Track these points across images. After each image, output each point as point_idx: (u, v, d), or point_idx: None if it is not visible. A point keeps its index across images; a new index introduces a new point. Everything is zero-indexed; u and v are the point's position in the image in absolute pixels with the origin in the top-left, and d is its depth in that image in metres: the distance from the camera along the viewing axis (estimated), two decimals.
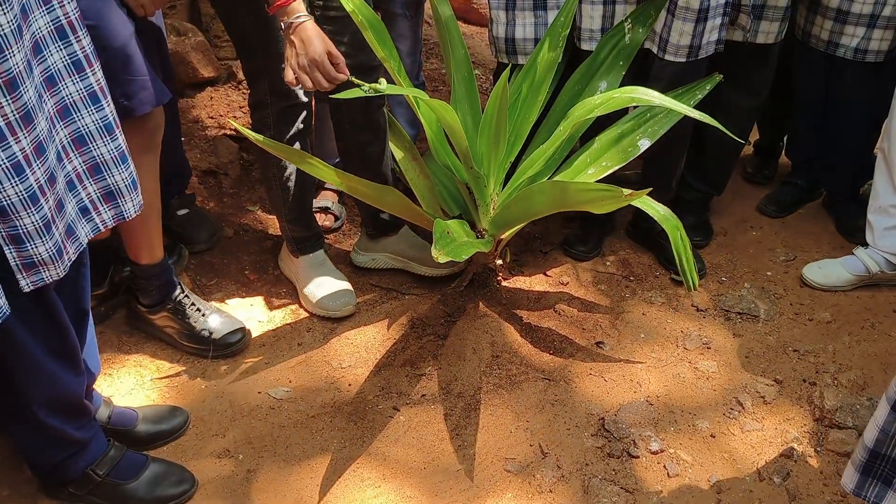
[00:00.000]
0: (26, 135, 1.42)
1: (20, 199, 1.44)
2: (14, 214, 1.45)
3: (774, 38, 2.56)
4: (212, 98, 3.24)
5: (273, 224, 2.90)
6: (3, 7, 1.33)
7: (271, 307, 2.58)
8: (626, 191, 1.89)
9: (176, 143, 2.64)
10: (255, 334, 2.47)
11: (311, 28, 1.91)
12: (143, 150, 2.10)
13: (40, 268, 1.53)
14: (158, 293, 2.35)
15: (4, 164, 1.40)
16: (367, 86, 1.96)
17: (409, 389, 2.29)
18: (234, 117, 3.17)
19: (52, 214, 1.51)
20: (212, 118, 3.18)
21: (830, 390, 2.26)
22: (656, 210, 2.23)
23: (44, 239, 1.50)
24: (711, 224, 2.99)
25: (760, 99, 2.73)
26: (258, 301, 2.60)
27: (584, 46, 2.55)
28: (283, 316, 2.55)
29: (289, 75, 1.94)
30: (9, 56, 1.36)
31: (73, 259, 1.61)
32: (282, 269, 2.69)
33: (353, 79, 1.98)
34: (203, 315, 2.39)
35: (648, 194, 2.56)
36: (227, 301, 2.59)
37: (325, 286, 2.53)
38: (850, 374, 2.33)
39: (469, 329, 2.46)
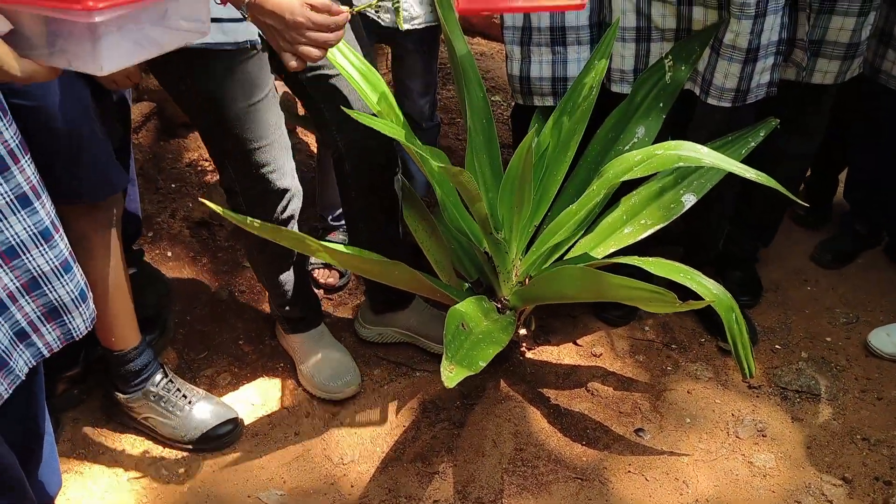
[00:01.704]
0: None
1: None
2: None
3: (833, 78, 2.22)
4: None
5: None
6: None
7: (267, 386, 2.30)
8: (675, 298, 1.59)
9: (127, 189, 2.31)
10: (247, 420, 2.18)
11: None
12: (97, 228, 1.85)
13: None
14: (136, 380, 2.07)
15: None
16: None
17: (419, 492, 1.99)
18: None
19: None
20: (206, 160, 2.89)
21: None
22: (707, 288, 1.91)
23: None
24: (760, 278, 2.66)
25: (814, 144, 2.41)
26: (252, 379, 2.32)
27: (615, 89, 2.24)
28: (279, 397, 2.27)
29: (290, 63, 1.53)
30: None
31: (7, 395, 1.34)
32: (279, 341, 2.41)
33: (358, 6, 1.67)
34: (189, 403, 2.11)
35: (693, 261, 2.29)
36: (217, 378, 2.30)
37: (325, 364, 2.24)
38: None
39: (489, 415, 2.16)
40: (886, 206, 2.64)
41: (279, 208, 2.00)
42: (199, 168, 2.88)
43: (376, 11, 2.26)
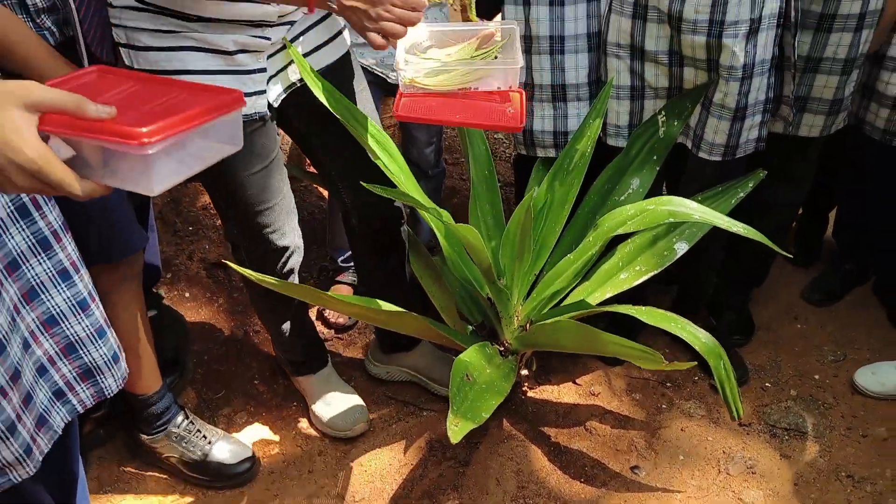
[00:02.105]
0: None
1: None
2: None
3: (819, 131, 2.34)
4: None
5: None
6: None
7: (281, 425, 2.42)
8: (661, 358, 1.72)
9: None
10: (263, 458, 2.31)
11: None
12: (119, 284, 1.99)
13: (6, 469, 1.38)
14: (158, 422, 2.20)
15: None
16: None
17: None
18: None
19: (17, 413, 1.36)
20: None
21: None
22: (696, 337, 2.02)
23: (7, 442, 1.35)
24: (752, 316, 2.78)
25: (802, 193, 2.53)
26: (268, 418, 2.44)
27: (611, 142, 2.36)
28: (293, 435, 2.39)
29: (377, 41, 1.59)
30: None
31: (47, 450, 1.46)
32: (292, 380, 2.53)
33: None
34: (209, 443, 2.23)
35: (683, 310, 2.41)
36: (235, 417, 2.43)
37: (334, 404, 2.37)
38: None
39: (492, 454, 2.28)
40: (873, 247, 2.76)
41: (279, 264, 2.12)
42: (214, 211, 3.00)
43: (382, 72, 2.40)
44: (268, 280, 1.93)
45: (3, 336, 1.32)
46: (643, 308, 2.06)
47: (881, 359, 2.56)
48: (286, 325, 2.29)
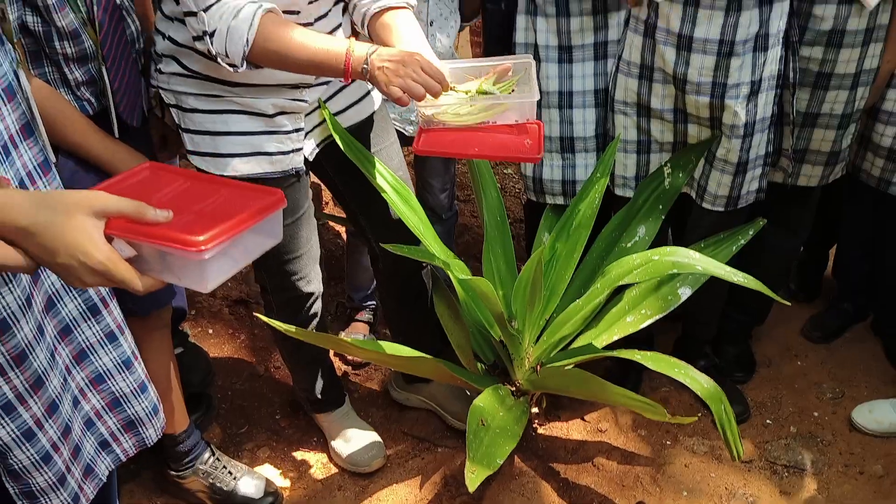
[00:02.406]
0: (37, 400, 1.39)
1: (32, 462, 1.41)
2: (26, 475, 1.43)
3: (818, 181, 2.46)
4: None
5: None
6: (10, 285, 1.29)
7: (303, 459, 2.53)
8: (664, 412, 1.83)
9: None
10: (286, 493, 2.42)
11: (385, 51, 1.72)
12: (149, 333, 2.10)
13: None
14: (186, 459, 2.31)
15: (15, 433, 1.37)
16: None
17: None
18: None
19: (67, 465, 1.48)
20: None
21: None
22: (698, 383, 2.13)
23: (58, 492, 1.48)
24: (753, 353, 2.89)
25: (800, 240, 2.65)
26: (289, 453, 2.55)
27: (619, 192, 2.47)
28: (314, 470, 2.50)
29: (400, 96, 1.68)
30: (16, 331, 1.31)
31: (92, 497, 1.57)
32: (312, 416, 2.64)
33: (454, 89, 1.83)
34: (234, 479, 2.34)
35: (686, 348, 2.53)
36: (258, 452, 2.54)
37: (352, 441, 2.48)
38: None
39: (504, 490, 2.38)
40: (871, 287, 2.86)
41: (304, 308, 2.25)
42: None
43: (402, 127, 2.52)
44: (291, 330, 2.05)
45: (57, 396, 1.44)
46: (648, 353, 2.18)
47: (878, 396, 2.66)
48: (307, 366, 2.41)
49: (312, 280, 2.22)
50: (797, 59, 2.21)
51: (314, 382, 2.45)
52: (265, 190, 1.21)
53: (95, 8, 1.76)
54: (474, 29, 2.97)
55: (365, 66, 1.69)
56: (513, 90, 1.91)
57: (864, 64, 2.27)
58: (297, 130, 1.96)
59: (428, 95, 1.70)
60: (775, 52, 2.14)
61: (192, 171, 1.30)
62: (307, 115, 1.99)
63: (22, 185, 1.33)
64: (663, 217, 2.44)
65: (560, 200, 2.53)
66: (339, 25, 1.96)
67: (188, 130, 1.94)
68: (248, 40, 1.66)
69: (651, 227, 2.45)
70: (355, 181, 2.13)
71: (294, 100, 1.92)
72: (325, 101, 2.02)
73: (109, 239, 1.07)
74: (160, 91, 1.94)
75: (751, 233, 2.43)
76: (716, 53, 2.11)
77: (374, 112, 2.15)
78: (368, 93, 2.12)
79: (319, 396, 2.49)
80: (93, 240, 1.04)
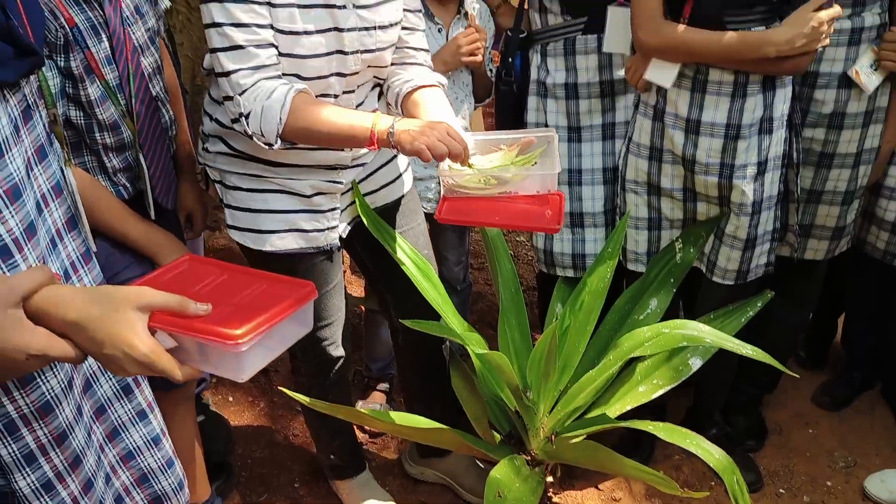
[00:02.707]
0: (74, 479, 1.44)
1: None
2: None
3: (823, 255, 2.54)
4: None
5: None
6: (55, 370, 1.36)
7: None
8: (676, 486, 1.88)
9: None
10: None
11: (407, 121, 1.76)
12: (175, 405, 2.16)
13: None
14: None
15: None
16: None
17: None
18: None
19: None
20: None
21: None
22: (710, 454, 2.17)
23: None
24: (765, 420, 2.93)
25: (807, 312, 2.71)
26: None
27: (631, 267, 2.55)
28: None
29: (425, 153, 1.70)
30: (58, 413, 1.38)
31: None
32: (331, 484, 2.69)
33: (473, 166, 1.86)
34: None
35: (698, 417, 2.57)
36: None
37: None
38: None
39: None
40: (881, 355, 2.91)
41: (333, 371, 2.33)
42: None
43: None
44: (306, 400, 2.11)
45: (92, 474, 1.50)
46: (660, 424, 2.23)
47: (890, 465, 2.70)
48: (331, 432, 2.48)
49: (340, 345, 2.31)
50: (800, 141, 2.30)
51: (338, 448, 2.51)
52: (297, 283, 1.29)
53: (134, 101, 1.86)
54: (486, 107, 3.08)
55: (391, 130, 1.74)
56: (535, 163, 1.96)
57: (865, 144, 2.36)
58: (332, 210, 2.07)
59: (452, 164, 1.77)
60: (780, 134, 2.23)
61: (227, 264, 1.37)
62: (342, 194, 2.09)
63: (66, 274, 1.41)
64: (674, 290, 2.50)
65: (570, 273, 2.61)
66: (376, 111, 2.06)
67: (230, 206, 2.05)
68: (280, 119, 1.75)
69: (663, 300, 2.51)
70: (382, 259, 2.21)
71: (331, 181, 2.02)
72: (359, 183, 2.12)
73: (152, 331, 1.14)
74: (206, 167, 2.06)
75: (759, 305, 2.49)
76: (723, 136, 2.19)
77: (403, 195, 2.25)
78: (399, 176, 2.23)
79: (341, 462, 2.54)
80: (138, 334, 1.12)
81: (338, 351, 2.31)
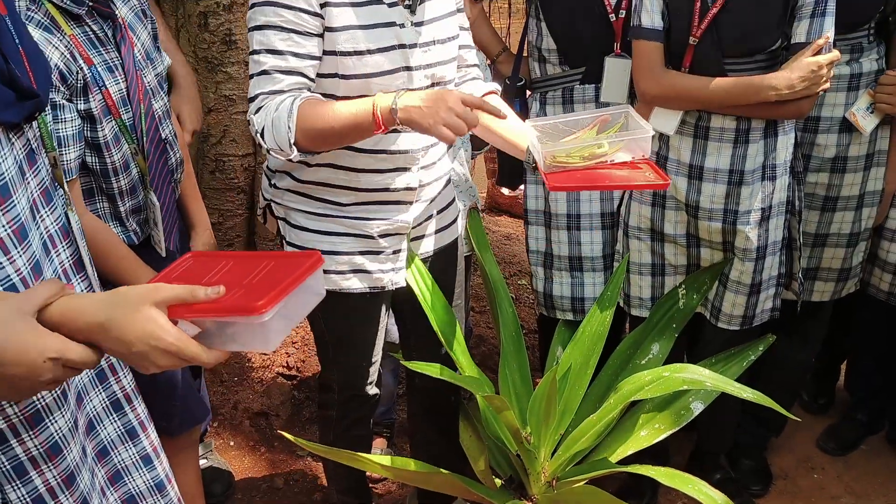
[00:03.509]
0: None
1: None
2: None
3: (830, 296, 2.54)
4: None
5: (323, 474, 2.88)
6: (62, 409, 1.37)
7: None
8: None
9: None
10: None
11: (410, 95, 1.72)
12: (181, 449, 2.15)
13: None
14: None
15: None
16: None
17: None
18: (287, 353, 3.20)
19: None
20: (263, 355, 3.22)
21: None
22: (714, 500, 2.15)
23: None
24: (770, 465, 2.90)
25: (813, 352, 2.70)
26: None
27: (635, 313, 2.55)
28: None
29: (445, 134, 1.67)
30: (66, 454, 1.38)
31: None
32: None
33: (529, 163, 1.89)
34: None
35: (701, 461, 2.54)
36: None
37: None
38: None
39: None
40: (885, 402, 2.90)
41: (364, 407, 2.35)
42: (257, 363, 3.20)
43: None
44: (309, 445, 2.11)
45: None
46: (661, 469, 2.21)
47: None
48: (346, 472, 2.45)
49: (376, 385, 2.33)
50: (802, 188, 2.31)
51: (350, 485, 2.51)
52: (303, 254, 1.32)
53: (145, 139, 1.92)
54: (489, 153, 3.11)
55: (393, 106, 1.71)
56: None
57: (867, 186, 2.38)
58: (397, 252, 2.08)
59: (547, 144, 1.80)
60: (783, 180, 2.25)
61: (231, 252, 1.40)
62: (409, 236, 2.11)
63: None
64: (677, 335, 2.50)
65: (569, 316, 2.61)
66: None
67: (292, 244, 2.06)
68: (290, 127, 1.76)
69: (665, 345, 2.50)
70: (412, 303, 2.21)
71: (398, 220, 2.03)
72: (422, 223, 2.14)
73: (174, 322, 1.16)
74: (272, 203, 2.07)
75: (761, 349, 2.48)
76: (726, 182, 2.21)
77: (456, 238, 2.28)
78: (455, 220, 2.26)
79: (354, 499, 2.53)
80: (162, 326, 1.14)
81: (373, 390, 2.33)
